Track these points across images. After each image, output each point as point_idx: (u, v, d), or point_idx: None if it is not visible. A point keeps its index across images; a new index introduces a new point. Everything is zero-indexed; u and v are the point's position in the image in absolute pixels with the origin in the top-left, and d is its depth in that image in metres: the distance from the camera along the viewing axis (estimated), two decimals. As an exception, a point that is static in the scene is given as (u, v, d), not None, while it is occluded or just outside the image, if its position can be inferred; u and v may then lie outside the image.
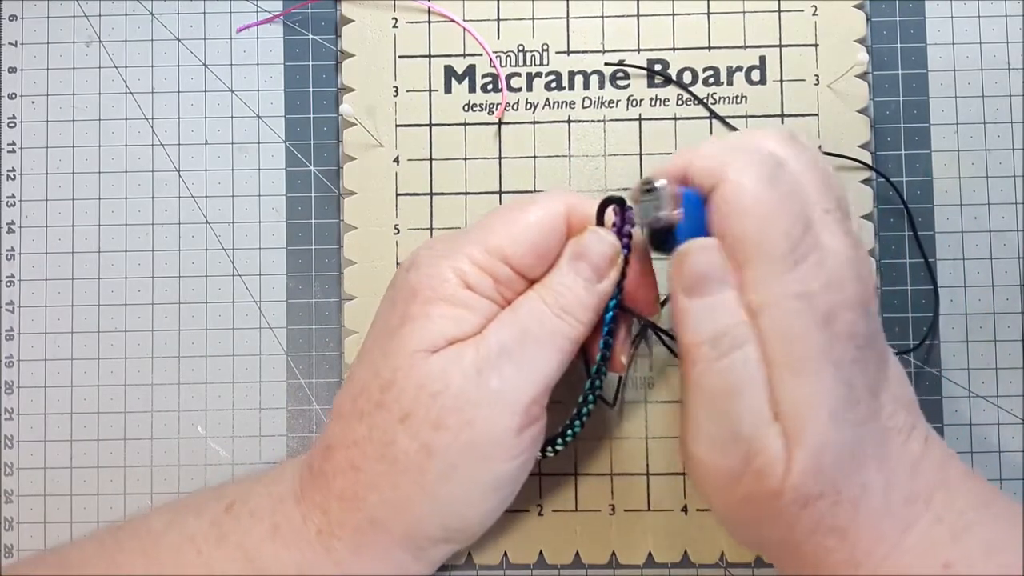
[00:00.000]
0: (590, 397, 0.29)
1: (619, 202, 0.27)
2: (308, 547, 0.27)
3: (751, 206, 0.24)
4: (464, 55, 0.35)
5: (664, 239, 0.26)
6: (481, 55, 0.35)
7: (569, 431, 0.30)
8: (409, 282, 0.27)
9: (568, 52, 0.35)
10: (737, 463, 0.24)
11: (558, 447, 0.30)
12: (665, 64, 0.34)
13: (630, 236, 0.27)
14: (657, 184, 0.25)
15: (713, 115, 0.34)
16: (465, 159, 0.34)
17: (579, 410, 0.29)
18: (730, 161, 0.24)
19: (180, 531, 0.27)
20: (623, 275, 0.28)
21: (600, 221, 0.28)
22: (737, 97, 0.34)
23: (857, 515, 0.24)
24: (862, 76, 0.34)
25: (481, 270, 0.27)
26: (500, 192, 0.34)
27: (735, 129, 0.34)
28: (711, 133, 0.34)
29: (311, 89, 0.35)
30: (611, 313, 0.28)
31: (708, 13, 0.34)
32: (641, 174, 0.34)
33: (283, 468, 0.29)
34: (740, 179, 0.24)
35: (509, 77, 0.35)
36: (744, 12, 0.34)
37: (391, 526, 0.26)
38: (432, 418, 0.25)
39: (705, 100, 0.34)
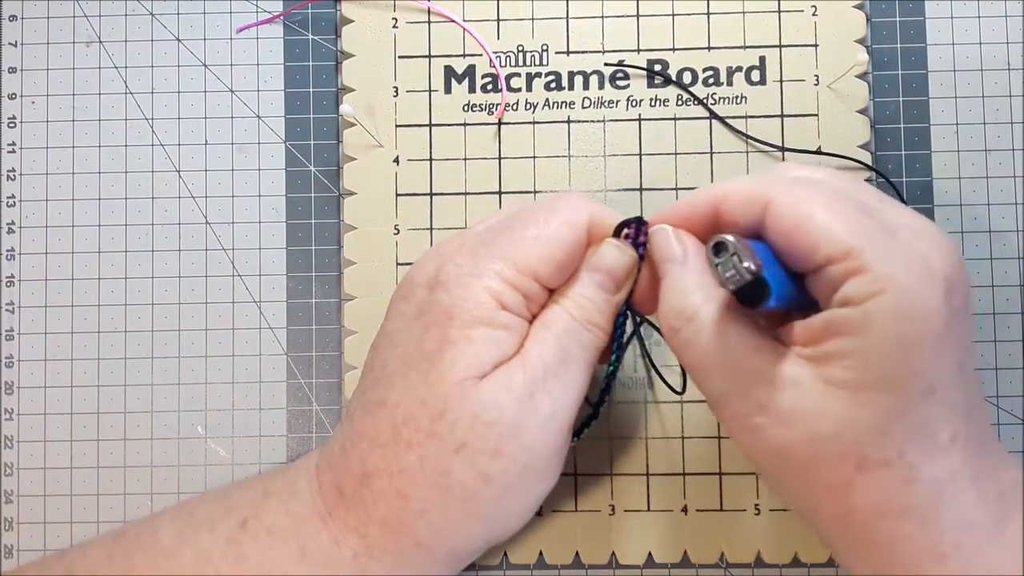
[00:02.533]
0: (604, 397, 0.30)
1: (638, 221, 0.28)
2: (340, 569, 0.27)
3: (812, 208, 0.23)
4: (464, 55, 0.35)
5: (752, 291, 0.24)
6: (481, 55, 0.35)
7: (586, 428, 0.30)
8: (442, 304, 0.26)
9: (568, 52, 0.35)
10: (751, 410, 0.24)
11: (572, 444, 0.30)
12: (665, 64, 0.34)
13: (644, 246, 0.28)
14: (729, 239, 0.23)
15: (713, 115, 0.34)
16: (465, 159, 0.34)
17: (596, 408, 0.30)
18: (768, 183, 0.25)
19: (194, 548, 0.27)
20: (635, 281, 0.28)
21: (616, 232, 0.28)
22: (737, 97, 0.34)
23: (942, 500, 0.23)
24: (862, 76, 0.34)
25: (513, 288, 0.26)
26: (500, 192, 0.34)
27: (735, 129, 0.34)
28: (711, 133, 0.34)
29: (311, 89, 0.35)
30: (621, 319, 0.28)
31: (708, 13, 0.34)
32: (641, 174, 0.34)
33: (293, 480, 0.29)
34: (789, 192, 0.24)
35: (509, 77, 0.35)
36: (744, 12, 0.34)
37: (437, 547, 0.27)
38: (490, 447, 0.26)
39: (705, 100, 0.34)
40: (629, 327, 0.30)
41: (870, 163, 0.33)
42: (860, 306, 0.22)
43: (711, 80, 0.34)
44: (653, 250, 0.26)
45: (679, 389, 0.32)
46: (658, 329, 0.33)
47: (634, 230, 0.28)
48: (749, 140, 0.34)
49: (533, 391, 0.26)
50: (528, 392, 0.26)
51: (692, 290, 0.25)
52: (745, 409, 0.24)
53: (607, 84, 0.34)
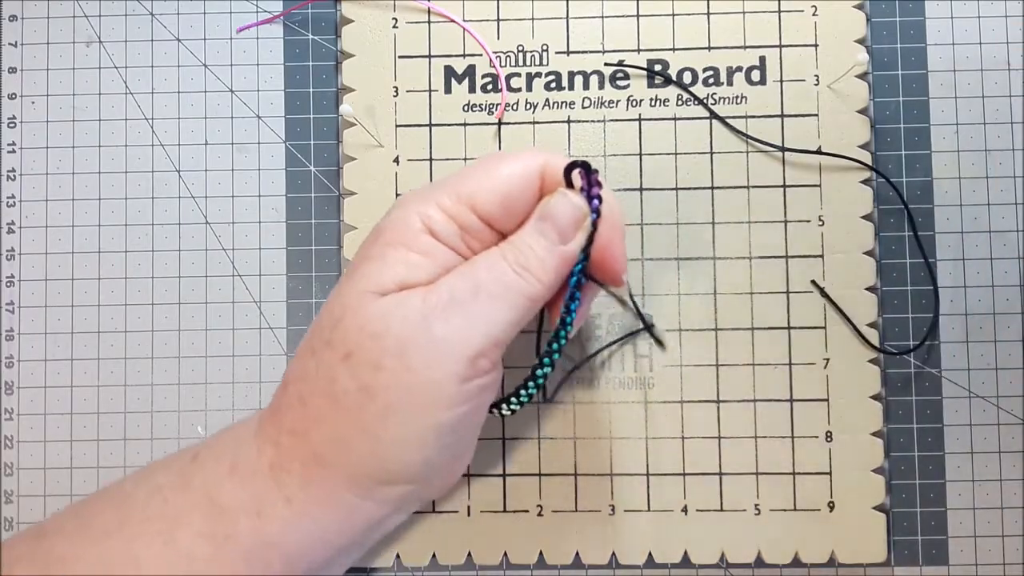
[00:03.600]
0: (546, 360, 0.28)
1: (584, 166, 0.27)
2: (262, 481, 0.27)
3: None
4: (464, 55, 0.35)
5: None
6: (481, 55, 0.35)
7: (523, 391, 0.29)
8: (378, 224, 0.28)
9: (568, 52, 0.35)
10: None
11: (512, 406, 0.29)
12: (665, 64, 0.34)
13: (599, 200, 0.27)
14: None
15: (713, 115, 0.34)
16: (465, 159, 0.34)
17: (533, 372, 0.29)
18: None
19: (148, 485, 0.28)
20: (590, 241, 0.27)
21: (569, 183, 0.28)
22: (737, 97, 0.34)
23: None
24: (862, 76, 0.34)
25: (448, 217, 0.27)
26: (500, 192, 0.34)
27: (735, 129, 0.34)
28: (711, 133, 0.34)
29: (311, 89, 0.35)
30: (575, 279, 0.28)
31: (708, 13, 0.34)
32: (641, 174, 0.34)
33: (244, 420, 0.29)
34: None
35: (509, 77, 0.35)
36: (744, 12, 0.34)
37: (333, 463, 0.26)
38: (372, 359, 0.26)
39: (705, 100, 0.34)
40: (627, 328, 0.29)
41: (870, 163, 0.33)
42: None
43: (711, 80, 0.34)
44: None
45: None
46: (648, 326, 0.33)
47: (585, 181, 0.27)
48: (749, 140, 0.34)
49: (428, 314, 0.26)
50: (422, 315, 0.26)
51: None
52: None
53: (607, 84, 0.34)
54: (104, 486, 0.29)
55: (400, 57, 0.35)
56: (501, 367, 0.28)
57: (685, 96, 0.34)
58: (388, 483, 0.27)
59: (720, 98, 0.34)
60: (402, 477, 0.27)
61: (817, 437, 0.33)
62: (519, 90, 0.35)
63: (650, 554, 0.33)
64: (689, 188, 0.34)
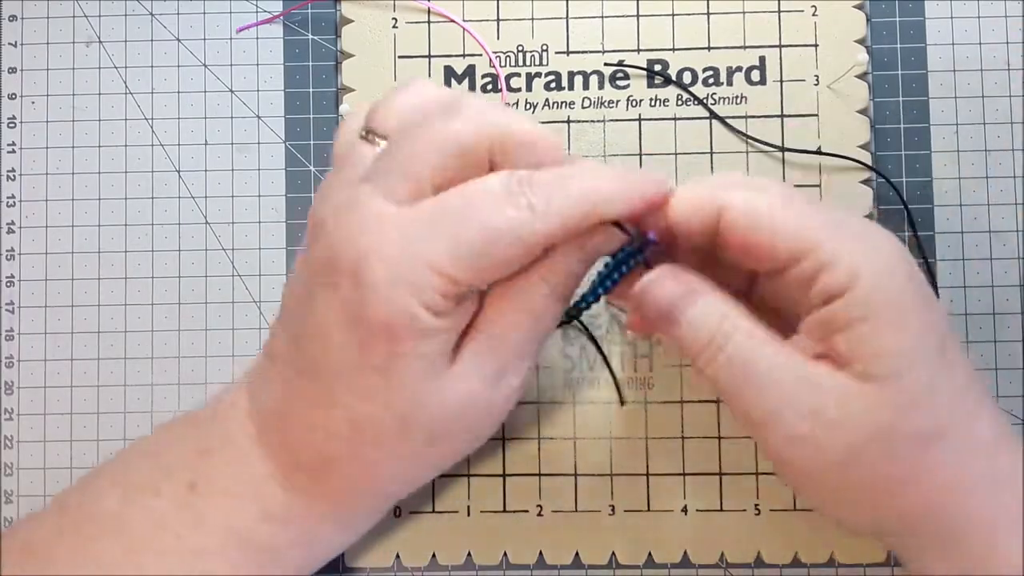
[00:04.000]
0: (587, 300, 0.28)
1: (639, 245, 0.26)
2: (304, 522, 0.28)
3: (769, 210, 0.24)
4: (464, 55, 0.35)
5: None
6: (481, 55, 0.35)
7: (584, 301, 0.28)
8: (378, 317, 0.24)
9: (568, 52, 0.35)
10: (795, 427, 0.24)
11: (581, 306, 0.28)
12: (665, 64, 0.34)
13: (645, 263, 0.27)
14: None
15: (713, 115, 0.34)
16: (465, 159, 0.34)
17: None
18: (717, 189, 0.25)
19: (144, 513, 0.27)
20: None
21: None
22: (737, 97, 0.34)
23: (997, 463, 0.24)
24: (862, 76, 0.34)
25: (444, 299, 0.24)
26: (500, 192, 0.34)
27: (735, 129, 0.34)
28: (711, 133, 0.34)
29: (311, 89, 0.35)
30: (628, 260, 0.26)
31: (708, 13, 0.34)
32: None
33: (227, 432, 0.28)
34: (742, 197, 0.25)
35: (509, 77, 0.35)
36: (744, 12, 0.34)
37: (380, 492, 0.29)
38: (462, 431, 0.27)
39: (705, 100, 0.34)
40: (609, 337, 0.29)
41: (870, 163, 0.33)
42: (842, 299, 0.23)
43: (711, 80, 0.34)
44: (655, 301, 0.25)
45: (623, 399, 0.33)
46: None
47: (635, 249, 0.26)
48: (749, 140, 0.34)
49: (503, 370, 0.26)
50: (498, 373, 0.26)
51: (717, 319, 0.25)
52: (793, 422, 0.24)
53: (607, 84, 0.34)
54: (67, 495, 0.28)
55: (400, 57, 0.35)
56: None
57: (685, 96, 0.34)
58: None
59: (720, 98, 0.34)
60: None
61: (817, 437, 0.33)
62: (519, 90, 0.35)
63: (650, 554, 0.33)
64: (689, 188, 0.34)
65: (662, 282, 0.25)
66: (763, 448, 0.26)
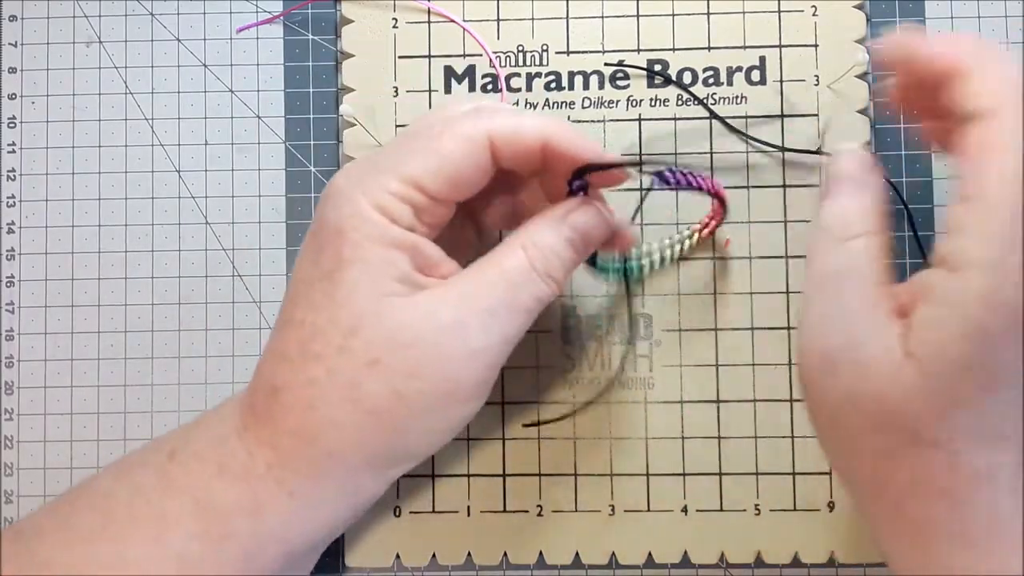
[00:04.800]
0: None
1: (581, 175, 0.27)
2: (257, 481, 0.26)
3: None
4: (464, 55, 0.35)
5: None
6: (481, 55, 0.35)
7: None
8: (330, 220, 0.26)
9: (568, 52, 0.35)
10: (838, 343, 0.24)
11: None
12: (665, 64, 0.34)
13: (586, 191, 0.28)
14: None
15: (713, 115, 0.34)
16: (465, 159, 0.34)
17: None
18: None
19: (127, 484, 0.27)
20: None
21: (570, 188, 0.28)
22: (737, 97, 0.34)
23: (978, 491, 0.23)
24: (862, 76, 0.34)
25: (399, 200, 0.26)
26: (500, 192, 0.34)
27: (735, 129, 0.34)
28: (711, 133, 0.34)
29: (311, 89, 0.35)
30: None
31: (708, 13, 0.34)
32: (641, 174, 0.34)
33: (221, 410, 0.29)
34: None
35: (509, 77, 0.35)
36: (744, 12, 0.34)
37: (350, 456, 0.27)
38: (405, 367, 0.26)
39: (705, 100, 0.34)
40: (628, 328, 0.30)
41: (870, 163, 0.33)
42: (954, 275, 0.22)
43: (711, 80, 0.34)
44: (840, 167, 0.27)
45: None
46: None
47: (579, 183, 0.28)
48: (749, 140, 0.34)
49: (466, 324, 0.26)
50: (458, 323, 0.26)
51: (863, 217, 0.25)
52: (836, 343, 0.24)
53: (607, 84, 0.34)
54: (77, 484, 0.29)
55: (400, 57, 0.35)
56: None
57: (685, 96, 0.34)
58: (407, 462, 0.29)
59: (720, 98, 0.34)
60: (423, 458, 0.29)
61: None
62: (519, 90, 0.35)
63: (650, 554, 0.33)
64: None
65: (854, 157, 0.27)
66: (799, 346, 0.25)
